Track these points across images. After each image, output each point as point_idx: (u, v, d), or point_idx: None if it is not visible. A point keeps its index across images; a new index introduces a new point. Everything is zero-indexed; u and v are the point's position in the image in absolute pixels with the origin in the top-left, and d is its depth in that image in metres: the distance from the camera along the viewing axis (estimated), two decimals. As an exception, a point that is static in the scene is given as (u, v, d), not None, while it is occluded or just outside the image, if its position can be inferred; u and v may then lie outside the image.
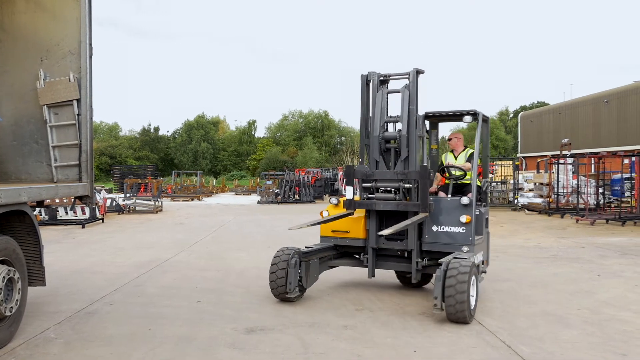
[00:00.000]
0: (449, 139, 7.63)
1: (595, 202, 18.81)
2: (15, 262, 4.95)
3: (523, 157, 42.90)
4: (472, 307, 5.62)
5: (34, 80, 6.20)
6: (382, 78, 6.77)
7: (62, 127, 6.18)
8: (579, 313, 5.95)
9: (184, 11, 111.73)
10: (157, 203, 21.84)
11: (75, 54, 6.16)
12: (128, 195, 23.06)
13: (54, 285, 7.13)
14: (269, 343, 4.94)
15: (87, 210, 16.02)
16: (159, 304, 6.39)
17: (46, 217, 15.83)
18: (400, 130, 6.59)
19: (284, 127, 69.23)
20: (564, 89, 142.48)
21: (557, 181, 19.78)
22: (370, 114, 6.74)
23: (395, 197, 6.50)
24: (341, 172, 31.09)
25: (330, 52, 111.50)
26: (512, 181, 23.33)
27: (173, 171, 41.97)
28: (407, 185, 6.42)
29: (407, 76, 6.59)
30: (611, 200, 19.55)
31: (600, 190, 19.00)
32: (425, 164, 6.61)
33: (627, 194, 18.99)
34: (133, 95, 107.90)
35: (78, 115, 6.15)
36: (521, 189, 23.13)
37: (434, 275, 7.10)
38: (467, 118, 6.76)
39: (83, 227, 15.30)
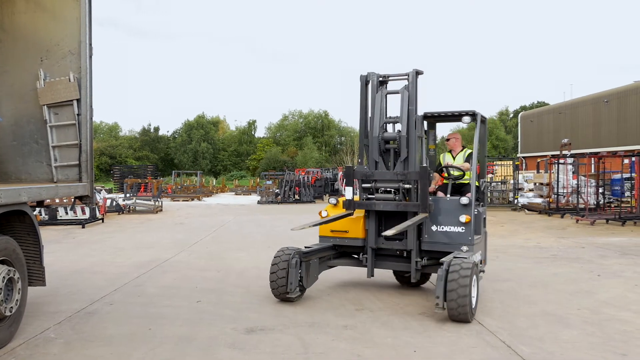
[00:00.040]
0: (447, 139, 7.64)
1: (595, 202, 18.81)
2: (15, 262, 4.95)
3: (523, 157, 42.90)
4: (473, 306, 5.65)
5: (34, 80, 6.20)
6: (381, 79, 6.78)
7: (62, 127, 6.18)
8: (579, 313, 5.95)
9: (184, 11, 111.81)
10: (157, 203, 21.84)
11: (75, 54, 6.16)
12: (128, 195, 23.06)
13: (54, 285, 7.13)
14: (269, 343, 4.94)
15: (87, 210, 16.02)
16: (159, 304, 6.39)
17: (46, 217, 15.83)
18: (399, 131, 6.60)
19: (284, 127, 69.23)
20: (564, 89, 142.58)
21: (557, 181, 19.78)
22: (370, 115, 6.75)
23: (395, 197, 6.51)
24: (341, 172, 31.08)
25: (330, 52, 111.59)
26: (512, 181, 23.34)
27: (173, 171, 41.97)
28: (406, 186, 6.44)
29: (407, 77, 6.60)
30: (611, 200, 19.55)
31: (600, 190, 19.00)
32: (425, 165, 6.62)
33: (627, 194, 18.99)
34: (133, 95, 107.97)
35: (78, 115, 6.15)
36: (521, 189, 23.13)
37: (432, 274, 7.21)
38: (466, 118, 6.78)
39: (83, 227, 15.30)
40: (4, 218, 4.96)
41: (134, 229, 15.29)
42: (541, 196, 21.64)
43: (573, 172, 20.87)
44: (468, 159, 7.19)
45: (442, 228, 6.40)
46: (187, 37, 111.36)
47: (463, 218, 6.27)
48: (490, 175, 27.07)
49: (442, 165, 7.34)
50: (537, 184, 22.84)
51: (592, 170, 21.15)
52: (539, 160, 26.87)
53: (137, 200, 21.78)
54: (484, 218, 7.03)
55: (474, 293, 5.69)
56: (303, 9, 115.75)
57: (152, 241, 12.32)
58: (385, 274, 7.71)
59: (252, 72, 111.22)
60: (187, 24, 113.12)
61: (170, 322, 5.59)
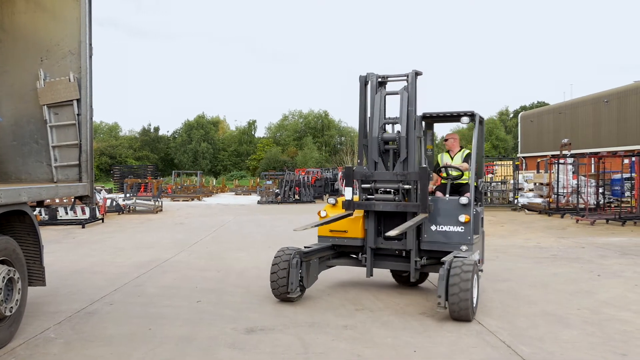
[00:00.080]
0: (446, 140, 7.69)
1: (595, 202, 18.81)
2: (15, 262, 4.95)
3: (523, 157, 42.90)
4: (474, 305, 5.68)
5: (34, 80, 6.19)
6: (380, 79, 6.79)
7: (62, 127, 6.18)
8: (579, 313, 5.95)
9: (184, 11, 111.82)
10: (157, 203, 21.84)
11: (75, 54, 6.16)
12: (128, 195, 23.06)
13: (54, 285, 7.13)
14: (269, 343, 4.94)
15: (87, 210, 16.02)
16: (159, 304, 6.39)
17: (46, 217, 15.83)
18: (399, 131, 6.62)
19: (284, 127, 69.23)
20: (564, 89, 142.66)
21: (557, 181, 19.78)
22: (369, 115, 6.76)
23: (395, 198, 6.52)
24: (341, 172, 31.09)
25: (330, 52, 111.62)
26: (512, 181, 23.33)
27: (173, 171, 41.98)
28: (406, 186, 6.46)
29: (406, 78, 6.62)
30: (611, 200, 19.55)
31: (600, 190, 19.00)
32: (425, 166, 6.65)
33: (627, 194, 18.99)
34: (133, 95, 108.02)
35: (78, 115, 6.15)
36: (521, 189, 23.13)
37: (431, 273, 7.23)
38: (465, 119, 6.82)
39: (83, 227, 15.30)
40: (4, 218, 4.96)
41: (134, 229, 15.29)
42: (541, 196, 21.63)
43: (573, 172, 20.87)
44: (466, 159, 7.23)
45: (442, 228, 6.43)
46: (187, 37, 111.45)
47: (462, 218, 6.31)
48: (490, 175, 27.09)
49: (441, 165, 7.37)
50: (537, 184, 22.84)
51: (592, 170, 21.15)
52: (539, 160, 26.87)
53: (137, 200, 21.78)
54: (482, 218, 7.10)
55: (474, 292, 5.71)
56: (303, 9, 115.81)
57: (152, 241, 12.32)
58: (384, 274, 7.71)
59: (252, 72, 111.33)
60: (187, 24, 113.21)
61: (170, 322, 5.59)
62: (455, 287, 5.46)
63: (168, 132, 69.98)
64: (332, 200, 7.14)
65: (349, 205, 6.62)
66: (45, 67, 6.20)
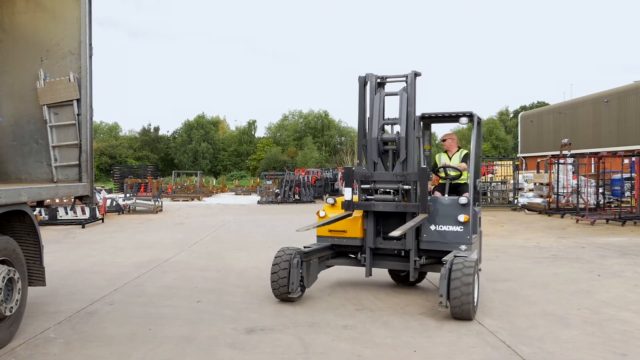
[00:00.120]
0: (443, 140, 7.74)
1: (595, 202, 18.81)
2: (15, 262, 4.95)
3: (523, 157, 42.91)
4: (474, 304, 5.70)
5: (34, 80, 6.19)
6: (379, 80, 6.80)
7: (62, 127, 6.18)
8: (579, 313, 5.95)
9: (184, 11, 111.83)
10: (157, 203, 21.84)
11: (75, 54, 6.16)
12: (128, 195, 23.06)
13: (54, 285, 7.13)
14: (269, 343, 4.94)
15: (87, 210, 16.02)
16: (159, 304, 6.39)
17: (46, 217, 15.83)
18: (398, 132, 6.63)
19: (284, 127, 69.23)
20: (564, 89, 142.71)
21: (557, 181, 19.78)
22: (368, 116, 6.77)
23: (394, 198, 6.53)
24: (341, 173, 31.09)
25: (330, 52, 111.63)
26: (512, 181, 23.33)
27: (173, 171, 41.99)
28: (406, 187, 6.48)
29: (405, 78, 6.63)
30: (611, 200, 19.55)
31: (600, 190, 19.00)
32: (424, 166, 6.67)
33: (627, 194, 18.99)
34: (133, 95, 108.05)
35: (78, 115, 6.15)
36: (521, 189, 23.13)
37: (428, 273, 7.24)
38: (463, 120, 6.85)
39: (83, 227, 15.30)
40: (4, 218, 4.96)
41: (134, 229, 15.29)
42: (541, 196, 21.63)
43: (573, 172, 20.87)
44: (464, 159, 7.29)
45: (441, 227, 6.46)
46: (187, 37, 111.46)
47: (462, 217, 6.35)
48: (490, 175, 27.09)
49: (439, 165, 7.42)
50: (537, 184, 22.84)
51: (592, 170, 21.15)
52: (539, 160, 26.87)
53: (137, 200, 21.78)
54: (479, 217, 7.15)
55: (475, 291, 5.74)
56: (303, 9, 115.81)
57: (152, 241, 12.32)
58: (384, 273, 7.71)
59: (252, 72, 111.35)
60: (187, 24, 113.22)
61: (170, 322, 5.59)
62: (456, 286, 5.49)
63: (168, 132, 70.08)
64: (331, 200, 7.15)
65: (348, 205, 6.62)
66: (45, 67, 6.20)
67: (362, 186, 6.65)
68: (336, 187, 31.86)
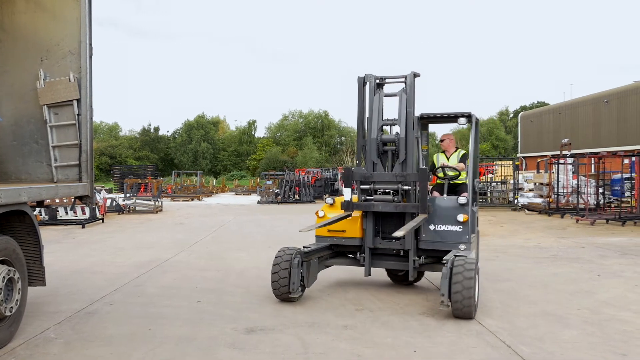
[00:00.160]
0: (441, 140, 7.79)
1: (595, 202, 18.80)
2: (15, 262, 4.95)
3: (523, 157, 42.91)
4: (475, 303, 5.73)
5: (34, 80, 6.19)
6: (378, 81, 6.80)
7: (62, 127, 6.18)
8: (579, 313, 5.95)
9: (184, 11, 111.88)
10: (157, 203, 21.84)
11: (75, 54, 6.16)
12: (128, 195, 23.05)
13: (54, 285, 7.13)
14: (269, 343, 4.94)
15: (87, 210, 16.02)
16: (159, 304, 6.39)
17: (46, 217, 15.82)
18: (398, 133, 6.64)
19: (284, 127, 69.23)
20: (564, 89, 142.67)
21: (557, 181, 19.78)
22: (368, 116, 6.78)
23: (394, 198, 6.54)
24: (341, 173, 31.10)
25: (330, 52, 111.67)
26: (512, 181, 23.33)
27: (173, 171, 41.99)
28: (406, 187, 6.49)
29: (404, 79, 6.64)
30: (611, 200, 19.55)
31: (600, 190, 18.99)
32: (424, 167, 6.68)
33: (627, 194, 18.99)
34: (133, 95, 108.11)
35: (78, 115, 6.15)
36: (521, 189, 23.13)
37: (429, 272, 7.26)
38: (462, 120, 6.91)
39: (83, 227, 15.30)
40: (4, 218, 4.96)
41: (134, 229, 15.29)
42: (541, 196, 21.63)
43: (573, 172, 20.87)
44: (462, 159, 7.37)
45: (440, 227, 6.49)
46: (187, 37, 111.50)
47: (461, 217, 6.40)
48: (490, 175, 27.09)
49: (437, 166, 7.49)
50: (537, 184, 22.84)
51: (592, 170, 21.15)
52: (539, 160, 26.87)
53: (137, 200, 21.77)
54: (477, 217, 7.20)
55: (476, 290, 5.76)
56: (303, 9, 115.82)
57: (152, 241, 12.32)
58: (383, 273, 7.71)
59: (252, 72, 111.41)
60: (187, 24, 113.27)
61: (170, 322, 5.59)
62: (458, 286, 5.53)
63: (168, 132, 70.10)
64: (329, 200, 7.17)
65: (348, 206, 6.62)
66: (45, 67, 6.20)
67: (362, 187, 6.66)
68: (336, 187, 31.88)
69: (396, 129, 6.75)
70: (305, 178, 30.99)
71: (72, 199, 10.22)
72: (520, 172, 25.17)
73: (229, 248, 11.17)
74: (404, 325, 5.50)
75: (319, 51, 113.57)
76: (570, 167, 21.14)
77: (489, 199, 24.17)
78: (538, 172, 24.48)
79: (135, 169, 44.37)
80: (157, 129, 68.79)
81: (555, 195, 19.78)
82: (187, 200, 30.82)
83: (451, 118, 7.18)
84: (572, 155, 22.41)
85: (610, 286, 7.33)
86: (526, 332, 5.27)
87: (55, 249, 10.85)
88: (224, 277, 8.06)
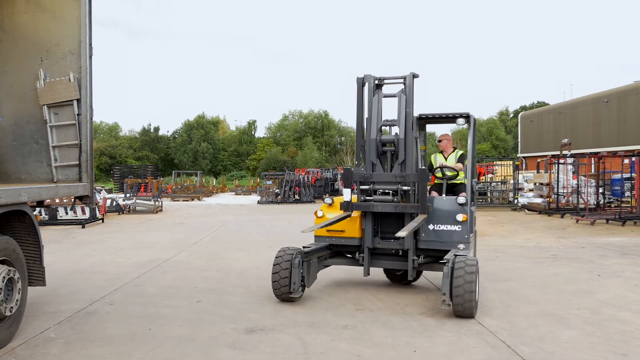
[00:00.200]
0: (439, 141, 7.83)
1: (595, 202, 18.80)
2: (15, 262, 4.95)
3: (523, 157, 42.92)
4: (476, 302, 5.75)
5: (34, 80, 6.19)
6: (377, 82, 6.81)
7: (62, 127, 6.18)
8: (579, 313, 5.95)
9: (184, 11, 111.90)
10: (157, 203, 21.84)
11: (75, 54, 6.16)
12: (128, 195, 23.05)
13: (54, 285, 7.13)
14: (269, 343, 4.94)
15: (87, 210, 16.02)
16: (159, 304, 6.39)
17: (46, 217, 15.82)
18: (397, 133, 6.66)
19: (284, 127, 69.23)
20: (564, 89, 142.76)
21: (557, 181, 19.78)
22: (367, 117, 6.79)
23: (394, 199, 6.55)
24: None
25: (330, 52, 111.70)
26: (512, 181, 23.33)
27: (173, 171, 42.00)
28: (405, 188, 6.50)
29: (403, 80, 6.66)
30: (611, 200, 19.54)
31: (600, 190, 18.99)
32: (423, 167, 6.69)
33: (627, 194, 18.98)
34: (133, 95, 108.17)
35: (78, 115, 6.15)
36: (521, 189, 23.13)
37: (427, 271, 7.26)
38: (460, 121, 6.94)
39: (83, 227, 15.30)
40: (4, 218, 4.96)
41: (134, 229, 15.29)
42: (541, 196, 21.63)
43: (573, 172, 20.87)
44: (460, 159, 7.42)
45: (439, 227, 6.52)
46: (187, 37, 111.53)
47: (460, 217, 6.44)
48: (490, 175, 27.09)
49: (436, 166, 7.54)
50: (537, 184, 22.84)
51: (592, 170, 21.15)
52: (539, 160, 26.87)
53: (137, 200, 21.77)
54: (475, 217, 7.25)
55: (476, 289, 5.77)
56: (303, 9, 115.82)
57: (152, 241, 12.32)
58: (383, 273, 7.71)
59: (252, 72, 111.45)
60: (187, 24, 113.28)
61: (170, 322, 5.59)
62: (459, 285, 5.55)
63: (168, 132, 70.12)
64: (328, 200, 7.18)
65: (347, 206, 6.63)
66: (45, 67, 6.20)
67: (361, 187, 6.67)
68: (336, 187, 31.88)
69: (395, 129, 6.77)
70: (305, 178, 31.00)
71: (72, 199, 10.22)
72: (520, 172, 25.16)
73: (229, 248, 11.17)
74: (404, 325, 5.50)
75: (319, 51, 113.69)
76: (570, 167, 21.14)
77: (489, 199, 24.17)
78: (538, 172, 24.47)
79: (135, 169, 44.37)
80: (157, 129, 68.83)
81: (555, 195, 19.77)
82: (187, 200, 30.82)
83: (449, 118, 7.21)
84: (572, 155, 22.41)
85: (610, 286, 7.33)
86: (526, 332, 5.27)
87: (55, 249, 10.85)
88: (224, 277, 8.06)
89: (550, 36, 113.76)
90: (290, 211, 21.77)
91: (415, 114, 6.87)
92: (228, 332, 5.25)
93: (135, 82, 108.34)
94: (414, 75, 6.60)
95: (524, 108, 67.06)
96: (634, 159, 19.01)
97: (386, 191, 6.62)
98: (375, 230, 6.73)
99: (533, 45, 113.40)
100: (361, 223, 6.77)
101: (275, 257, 6.38)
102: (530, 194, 22.87)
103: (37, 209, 9.27)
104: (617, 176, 19.33)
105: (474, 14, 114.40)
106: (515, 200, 22.23)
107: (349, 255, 7.13)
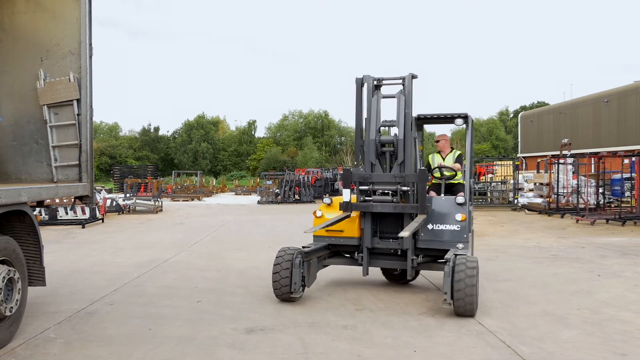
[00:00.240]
0: (437, 141, 7.85)
1: (595, 202, 18.80)
2: (15, 262, 4.95)
3: (523, 157, 42.92)
4: (476, 301, 5.76)
5: (34, 80, 6.19)
6: (376, 82, 6.82)
7: (62, 127, 6.18)
8: (579, 313, 5.95)
9: (184, 11, 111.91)
10: (157, 203, 21.84)
11: (75, 54, 6.16)
12: (128, 195, 23.05)
13: (54, 285, 7.13)
14: (269, 343, 4.94)
15: (87, 210, 16.02)
16: (159, 304, 6.39)
17: (46, 217, 15.83)
18: (396, 134, 6.67)
19: (284, 127, 69.22)
20: (564, 89, 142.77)
21: (557, 181, 19.78)
22: (366, 117, 6.79)
23: (393, 199, 6.56)
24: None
25: (330, 52, 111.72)
26: (512, 181, 23.33)
27: (173, 171, 41.99)
28: (404, 188, 6.51)
29: (402, 81, 6.67)
30: (611, 200, 19.54)
31: (600, 190, 18.99)
32: (423, 168, 6.71)
33: (627, 194, 18.98)
34: (133, 95, 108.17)
35: (78, 115, 6.15)
36: (521, 189, 23.12)
37: (425, 271, 7.28)
38: (459, 121, 6.98)
39: (83, 227, 15.30)
40: (4, 218, 4.96)
41: (134, 229, 15.29)
42: (541, 196, 21.63)
43: (573, 172, 20.87)
44: (457, 159, 7.45)
45: (438, 226, 6.54)
46: (187, 37, 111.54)
47: (459, 216, 6.47)
48: (490, 175, 27.09)
49: (434, 166, 7.56)
50: (537, 184, 22.84)
51: (592, 170, 21.15)
52: (539, 160, 26.87)
53: (137, 200, 21.77)
54: (472, 216, 7.31)
55: (477, 288, 5.79)
56: (303, 9, 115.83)
57: (152, 241, 12.32)
58: (382, 273, 7.72)
59: (252, 72, 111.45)
60: (187, 24, 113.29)
61: (170, 322, 5.59)
62: (460, 284, 5.57)
63: (168, 132, 70.10)
64: (327, 200, 7.18)
65: (347, 206, 6.63)
66: (45, 67, 6.20)
67: (361, 187, 6.68)
68: (336, 187, 31.90)
69: (394, 129, 6.77)
70: (305, 178, 31.00)
71: (72, 199, 10.22)
72: (520, 172, 25.16)
73: (229, 248, 11.17)
74: (404, 325, 5.50)
75: (319, 51, 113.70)
76: (570, 167, 21.14)
77: (489, 199, 24.17)
78: (538, 172, 24.48)
79: (135, 169, 44.37)
80: (157, 129, 68.83)
81: (555, 195, 19.78)
82: (187, 200, 30.82)
83: (448, 119, 7.23)
84: (572, 155, 22.42)
85: (610, 286, 7.33)
86: (526, 332, 5.27)
87: (55, 249, 10.85)
88: (224, 277, 8.06)
89: (550, 36, 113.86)
90: (290, 211, 21.77)
91: (414, 114, 6.88)
92: (228, 332, 5.26)
93: (135, 82, 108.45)
94: (413, 76, 6.62)
95: (524, 108, 67.06)
96: (634, 159, 19.01)
97: (385, 191, 6.63)
98: (374, 230, 6.74)
99: (533, 45, 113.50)
100: (360, 223, 6.78)
101: (276, 257, 6.38)
102: (530, 194, 22.87)
103: (37, 209, 9.27)
104: (617, 176, 19.33)
105: (473, 14, 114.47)
106: (515, 200, 22.22)
107: (347, 255, 7.14)
